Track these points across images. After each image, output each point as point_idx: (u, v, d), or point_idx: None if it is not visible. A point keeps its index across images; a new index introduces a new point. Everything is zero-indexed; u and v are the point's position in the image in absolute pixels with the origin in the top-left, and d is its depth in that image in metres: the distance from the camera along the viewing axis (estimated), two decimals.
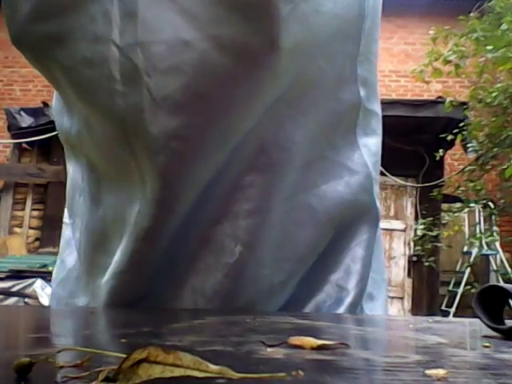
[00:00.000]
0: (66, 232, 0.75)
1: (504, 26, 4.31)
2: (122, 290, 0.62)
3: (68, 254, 0.73)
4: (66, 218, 0.76)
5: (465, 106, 4.89)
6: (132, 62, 0.52)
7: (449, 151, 5.37)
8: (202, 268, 0.60)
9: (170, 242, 0.59)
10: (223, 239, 0.60)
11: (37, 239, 6.14)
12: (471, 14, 4.68)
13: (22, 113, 5.92)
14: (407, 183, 5.34)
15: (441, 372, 0.28)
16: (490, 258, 5.48)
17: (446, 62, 4.63)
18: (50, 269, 5.04)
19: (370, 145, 0.67)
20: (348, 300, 0.64)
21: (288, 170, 0.60)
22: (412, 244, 5.32)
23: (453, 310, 5.21)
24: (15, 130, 5.92)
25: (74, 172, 0.71)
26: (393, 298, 5.22)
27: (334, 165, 0.64)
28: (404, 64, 6.03)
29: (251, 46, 0.51)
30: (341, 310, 0.64)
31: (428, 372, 0.28)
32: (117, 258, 0.61)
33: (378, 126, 0.70)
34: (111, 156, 0.60)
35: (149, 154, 0.54)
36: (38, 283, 5.01)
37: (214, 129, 0.55)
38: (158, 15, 0.52)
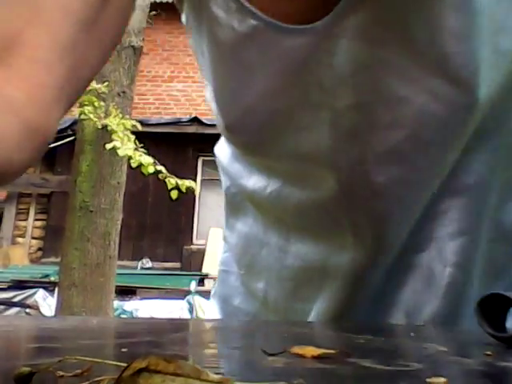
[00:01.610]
0: (231, 280, 0.76)
1: None
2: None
3: (241, 302, 0.75)
4: (225, 267, 0.78)
5: None
6: (351, 121, 0.56)
7: None
8: (410, 296, 0.62)
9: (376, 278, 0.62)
10: (431, 264, 0.61)
11: (39, 249, 6.14)
12: None
13: None
14: None
15: (442, 380, 0.28)
16: None
17: None
18: (52, 279, 5.04)
19: None
20: None
21: (486, 192, 0.62)
22: None
23: None
24: None
25: (246, 227, 0.73)
26: None
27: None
28: None
29: (457, 96, 0.55)
30: None
31: (429, 380, 0.28)
32: (320, 305, 0.64)
33: None
34: (310, 215, 0.63)
35: (368, 202, 0.58)
36: (40, 293, 5.00)
37: (431, 170, 0.58)
38: (372, 77, 0.55)
